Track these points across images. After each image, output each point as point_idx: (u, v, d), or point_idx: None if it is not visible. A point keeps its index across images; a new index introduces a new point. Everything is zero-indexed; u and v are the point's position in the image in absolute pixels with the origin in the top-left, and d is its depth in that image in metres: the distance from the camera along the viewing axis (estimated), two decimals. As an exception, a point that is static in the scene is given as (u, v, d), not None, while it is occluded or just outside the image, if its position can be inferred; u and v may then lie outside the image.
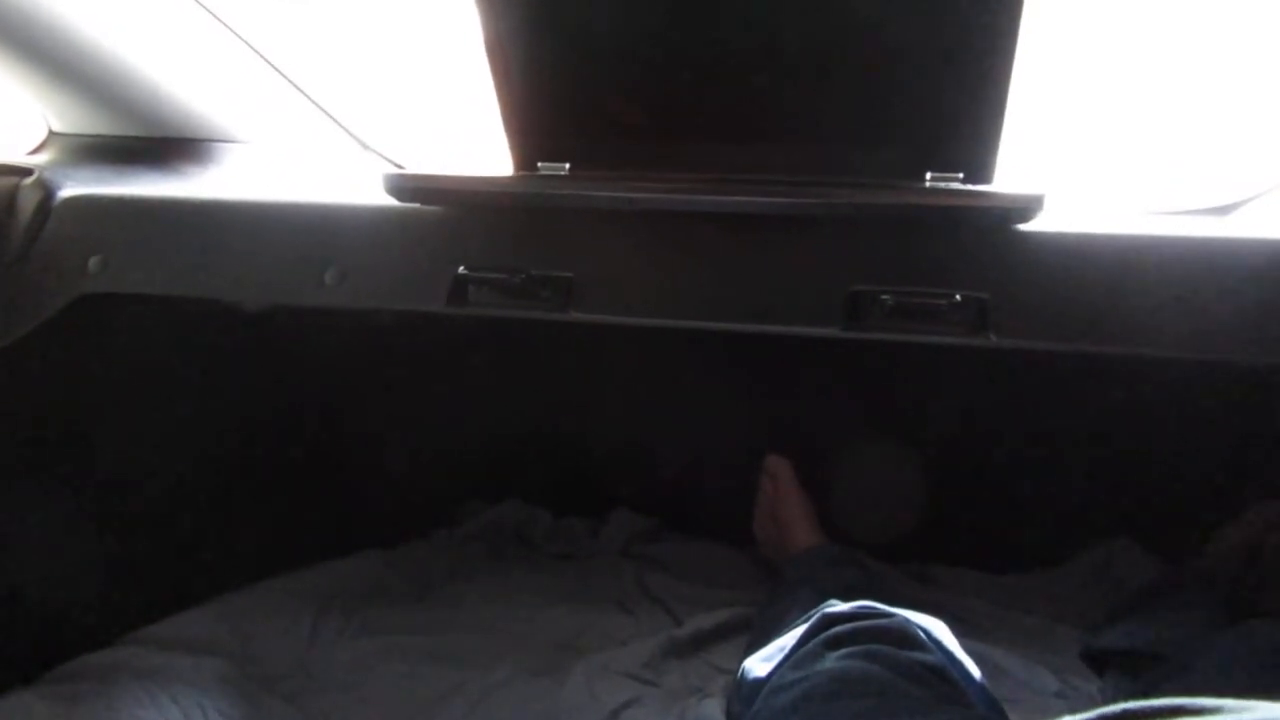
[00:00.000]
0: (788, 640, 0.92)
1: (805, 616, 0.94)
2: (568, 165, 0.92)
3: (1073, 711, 1.01)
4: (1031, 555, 1.33)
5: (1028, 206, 0.76)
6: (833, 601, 0.94)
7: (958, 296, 0.77)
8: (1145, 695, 0.92)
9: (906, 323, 0.79)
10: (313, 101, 1.25)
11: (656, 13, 0.84)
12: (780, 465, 1.35)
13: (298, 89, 1.22)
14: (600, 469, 1.48)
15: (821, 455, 1.37)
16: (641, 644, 1.14)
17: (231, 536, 1.25)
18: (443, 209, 0.92)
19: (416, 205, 0.92)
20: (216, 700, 0.99)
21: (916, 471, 1.33)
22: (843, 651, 0.83)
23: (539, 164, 0.93)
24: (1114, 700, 0.99)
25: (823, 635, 0.87)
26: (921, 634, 0.87)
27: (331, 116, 1.28)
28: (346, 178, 1.25)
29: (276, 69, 1.18)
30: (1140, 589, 1.16)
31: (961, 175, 0.85)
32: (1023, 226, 0.79)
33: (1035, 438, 1.34)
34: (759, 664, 0.93)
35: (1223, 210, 1.07)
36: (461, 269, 0.89)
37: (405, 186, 0.90)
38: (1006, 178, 0.86)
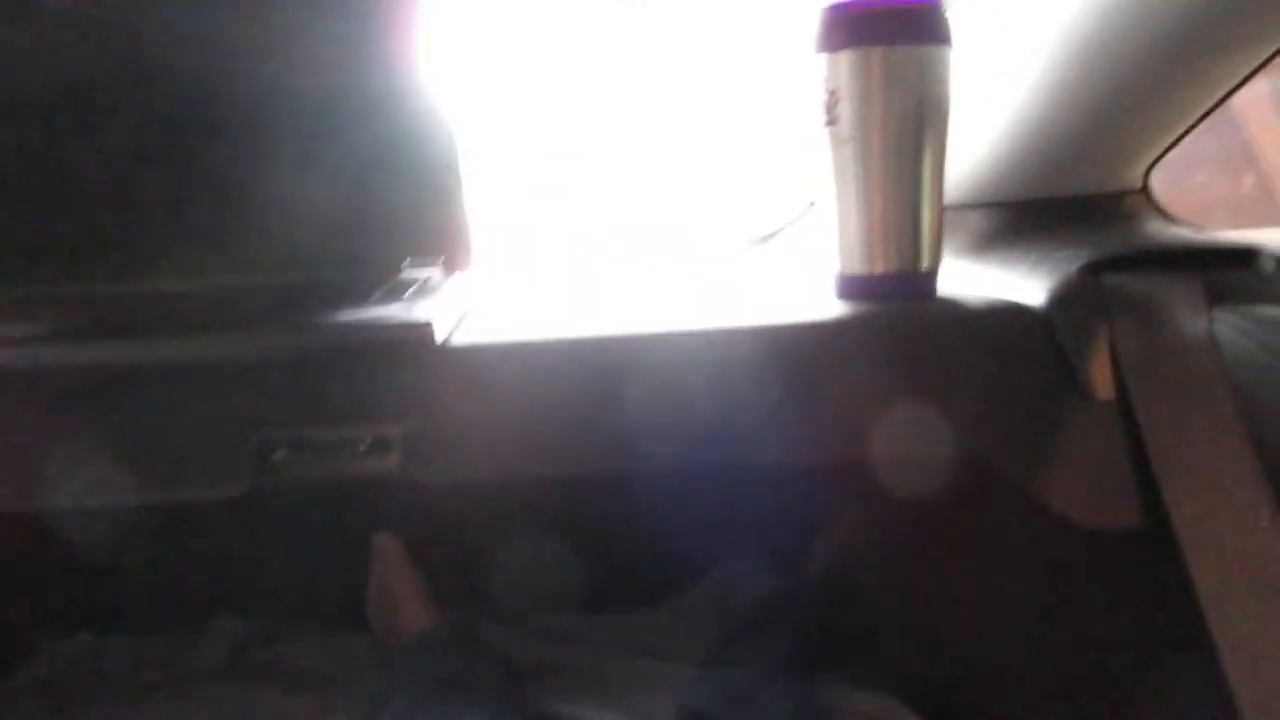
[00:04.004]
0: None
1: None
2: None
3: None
4: (661, 587, 1.32)
5: (420, 336, 0.70)
6: None
7: (369, 438, 0.70)
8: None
9: (320, 465, 0.71)
10: None
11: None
12: (389, 543, 1.27)
13: None
14: (190, 580, 1.32)
15: (429, 526, 1.29)
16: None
17: None
18: None
19: None
20: None
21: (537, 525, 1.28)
22: None
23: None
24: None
25: None
26: None
27: None
28: None
29: None
30: (724, 630, 1.16)
31: (442, 258, 0.79)
32: (438, 347, 0.74)
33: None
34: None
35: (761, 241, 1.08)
36: None
37: None
38: (489, 255, 0.82)
